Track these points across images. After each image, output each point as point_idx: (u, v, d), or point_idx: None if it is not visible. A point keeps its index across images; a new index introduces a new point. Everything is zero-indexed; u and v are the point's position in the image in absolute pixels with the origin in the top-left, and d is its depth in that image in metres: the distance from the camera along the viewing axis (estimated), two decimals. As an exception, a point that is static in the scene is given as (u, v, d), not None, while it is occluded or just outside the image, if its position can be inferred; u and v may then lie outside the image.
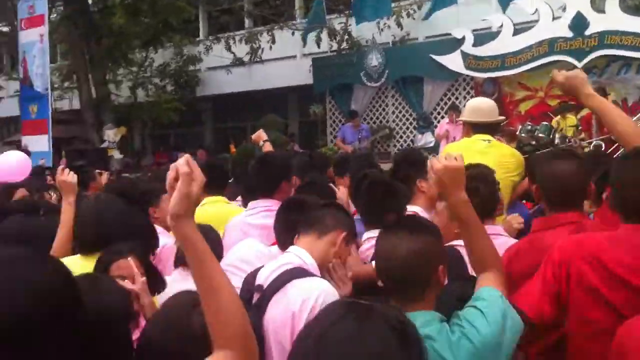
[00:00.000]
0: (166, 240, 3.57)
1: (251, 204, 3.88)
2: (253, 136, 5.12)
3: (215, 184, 4.74)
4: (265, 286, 2.46)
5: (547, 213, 2.71)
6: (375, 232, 3.00)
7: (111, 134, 15.69)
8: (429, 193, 3.54)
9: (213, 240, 3.15)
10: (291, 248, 2.61)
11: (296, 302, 2.34)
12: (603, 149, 8.83)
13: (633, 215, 2.23)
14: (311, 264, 2.54)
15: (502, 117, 4.70)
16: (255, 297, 2.47)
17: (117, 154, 15.46)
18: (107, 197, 3.38)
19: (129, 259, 2.74)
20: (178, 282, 2.93)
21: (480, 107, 4.56)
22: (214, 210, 4.74)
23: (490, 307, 2.05)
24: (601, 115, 2.84)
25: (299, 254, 2.55)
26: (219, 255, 3.16)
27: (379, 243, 2.22)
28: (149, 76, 18.98)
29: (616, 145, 8.71)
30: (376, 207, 3.29)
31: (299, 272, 2.47)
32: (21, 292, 1.39)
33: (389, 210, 3.11)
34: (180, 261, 3.28)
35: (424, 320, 2.01)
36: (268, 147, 4.97)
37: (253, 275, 2.60)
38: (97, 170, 7.37)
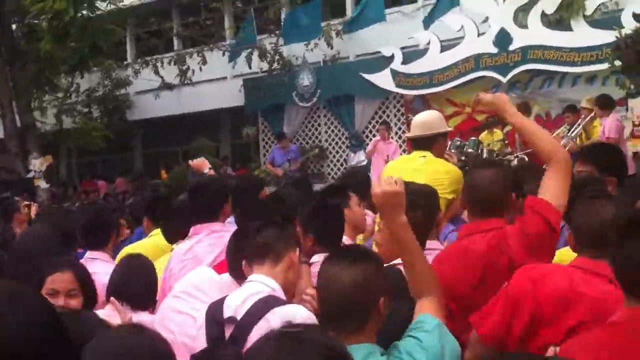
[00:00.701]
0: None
1: (194, 228, 3.77)
2: (194, 163, 4.96)
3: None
4: (239, 317, 2.39)
5: (470, 220, 2.85)
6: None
7: (37, 163, 15.18)
8: (351, 222, 3.55)
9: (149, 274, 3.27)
10: (253, 277, 2.56)
11: None
12: (526, 161, 8.97)
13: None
14: (278, 290, 2.52)
15: (440, 130, 4.43)
16: (228, 330, 2.40)
17: (43, 184, 14.95)
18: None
19: (66, 273, 2.80)
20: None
21: (417, 121, 4.51)
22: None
23: (428, 337, 2.07)
24: (523, 132, 2.96)
25: (265, 281, 2.52)
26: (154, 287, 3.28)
27: (320, 272, 2.19)
28: (75, 102, 18.47)
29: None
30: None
31: (274, 301, 2.43)
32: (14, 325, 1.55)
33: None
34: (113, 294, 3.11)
35: (365, 353, 2.00)
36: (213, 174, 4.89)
37: (216, 306, 2.51)
38: (25, 203, 7.12)
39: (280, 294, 2.51)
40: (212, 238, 3.60)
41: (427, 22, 12.88)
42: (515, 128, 3.03)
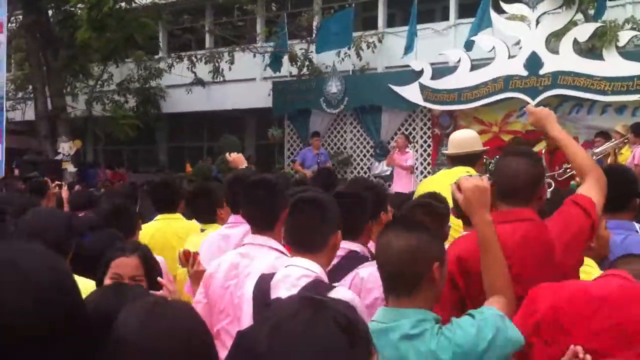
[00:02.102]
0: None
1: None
2: (233, 157, 5.02)
3: (169, 201, 4.88)
4: None
5: (499, 207, 2.77)
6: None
7: (66, 147, 15.47)
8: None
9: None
10: (297, 261, 2.64)
11: None
12: (552, 187, 9.19)
13: None
14: (322, 274, 2.62)
15: (479, 149, 4.66)
16: None
17: (71, 167, 15.23)
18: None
19: (131, 257, 2.73)
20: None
21: (457, 138, 4.70)
22: (176, 225, 4.84)
23: (484, 320, 2.09)
24: (564, 147, 3.04)
25: (309, 266, 2.60)
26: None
27: (378, 239, 2.28)
28: (107, 91, 18.78)
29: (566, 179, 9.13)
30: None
31: (322, 285, 2.51)
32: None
33: None
34: None
35: (418, 318, 2.08)
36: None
37: (263, 286, 2.62)
38: (57, 182, 7.29)
39: (324, 278, 2.59)
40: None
41: (468, 45, 13.17)
42: (556, 141, 3.11)
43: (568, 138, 3.09)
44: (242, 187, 3.37)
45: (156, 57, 19.03)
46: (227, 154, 5.18)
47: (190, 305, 1.77)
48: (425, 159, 14.54)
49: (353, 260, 3.10)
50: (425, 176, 14.17)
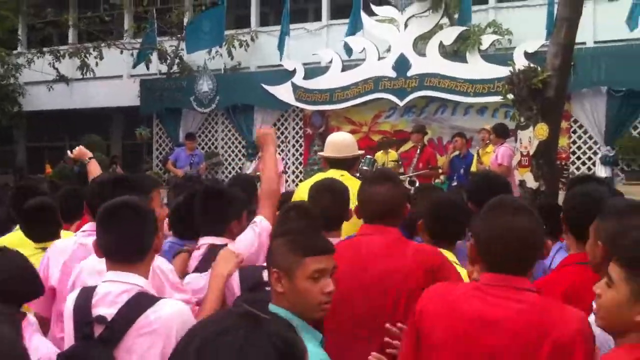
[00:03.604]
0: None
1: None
2: (74, 152, 4.72)
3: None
4: (109, 319, 2.32)
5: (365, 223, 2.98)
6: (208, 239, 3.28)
7: None
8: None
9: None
10: (115, 275, 2.42)
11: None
12: (417, 184, 9.37)
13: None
14: (146, 285, 2.45)
15: (357, 153, 4.74)
16: (98, 330, 2.33)
17: None
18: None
19: None
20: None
21: (334, 141, 4.72)
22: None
23: None
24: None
25: (129, 279, 2.41)
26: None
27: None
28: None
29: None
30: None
31: (145, 299, 2.37)
32: None
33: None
34: None
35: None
36: (94, 165, 4.58)
37: (83, 303, 2.41)
38: None
39: (149, 289, 2.45)
40: None
41: (348, 50, 13.39)
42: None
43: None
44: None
45: (15, 52, 17.81)
46: (68, 152, 4.87)
47: (13, 339, 1.62)
48: (297, 159, 14.48)
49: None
50: (297, 176, 14.12)
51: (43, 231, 3.88)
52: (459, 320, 2.14)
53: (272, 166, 3.61)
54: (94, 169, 4.48)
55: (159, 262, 2.86)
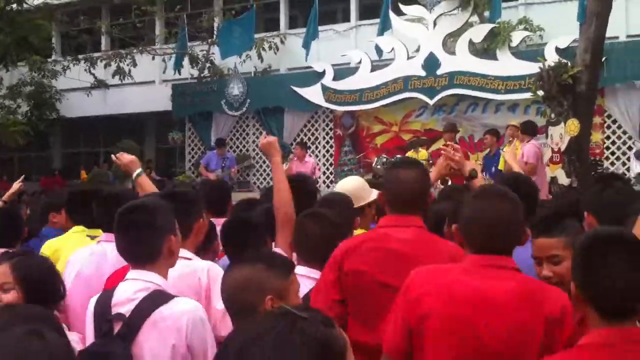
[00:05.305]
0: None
1: None
2: (125, 159, 4.01)
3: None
4: (127, 314, 2.39)
5: (389, 213, 2.89)
6: None
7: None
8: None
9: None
10: (134, 274, 2.51)
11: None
12: (449, 183, 9.28)
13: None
14: (164, 283, 2.51)
15: (368, 201, 4.01)
16: (117, 326, 2.39)
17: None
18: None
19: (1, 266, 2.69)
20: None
21: (345, 189, 4.09)
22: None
23: None
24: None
25: (147, 278, 2.47)
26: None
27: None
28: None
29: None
30: None
31: (161, 297, 2.43)
32: None
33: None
34: None
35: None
36: (145, 180, 3.94)
37: (104, 301, 2.49)
38: None
39: (166, 287, 2.50)
40: None
41: (379, 50, 13.36)
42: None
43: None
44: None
45: (50, 59, 18.16)
46: (113, 156, 4.18)
47: (66, 342, 1.67)
48: (328, 160, 14.51)
49: None
50: (327, 177, 14.15)
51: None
52: (455, 302, 2.19)
53: (281, 179, 3.51)
54: (147, 185, 3.89)
55: (213, 267, 2.98)
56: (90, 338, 2.51)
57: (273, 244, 3.49)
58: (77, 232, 4.14)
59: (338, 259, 2.80)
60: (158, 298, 2.41)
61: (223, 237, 3.62)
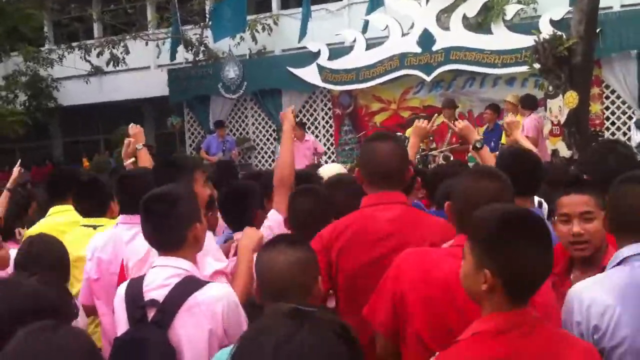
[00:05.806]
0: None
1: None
2: (135, 130, 4.53)
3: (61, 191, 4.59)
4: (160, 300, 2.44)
5: (369, 192, 2.82)
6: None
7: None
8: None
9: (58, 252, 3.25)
10: (163, 260, 2.56)
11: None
12: (451, 159, 9.40)
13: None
14: (193, 269, 2.57)
15: None
16: (150, 312, 2.44)
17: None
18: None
19: None
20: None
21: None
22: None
23: None
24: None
25: (177, 264, 2.54)
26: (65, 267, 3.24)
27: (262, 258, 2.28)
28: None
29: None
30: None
31: (194, 282, 2.49)
32: None
33: None
34: None
35: None
36: (145, 154, 4.43)
37: (135, 287, 2.55)
38: None
39: (196, 273, 2.56)
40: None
41: (365, 27, 13.49)
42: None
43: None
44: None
45: (44, 48, 18.09)
46: (129, 127, 4.68)
47: (85, 334, 1.72)
48: (328, 140, 14.61)
49: None
50: (329, 157, 14.26)
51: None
52: (435, 284, 2.22)
53: (287, 148, 3.65)
54: (145, 159, 4.38)
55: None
56: (122, 324, 2.54)
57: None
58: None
59: (325, 244, 2.74)
60: (191, 284, 2.46)
61: (220, 205, 3.77)
